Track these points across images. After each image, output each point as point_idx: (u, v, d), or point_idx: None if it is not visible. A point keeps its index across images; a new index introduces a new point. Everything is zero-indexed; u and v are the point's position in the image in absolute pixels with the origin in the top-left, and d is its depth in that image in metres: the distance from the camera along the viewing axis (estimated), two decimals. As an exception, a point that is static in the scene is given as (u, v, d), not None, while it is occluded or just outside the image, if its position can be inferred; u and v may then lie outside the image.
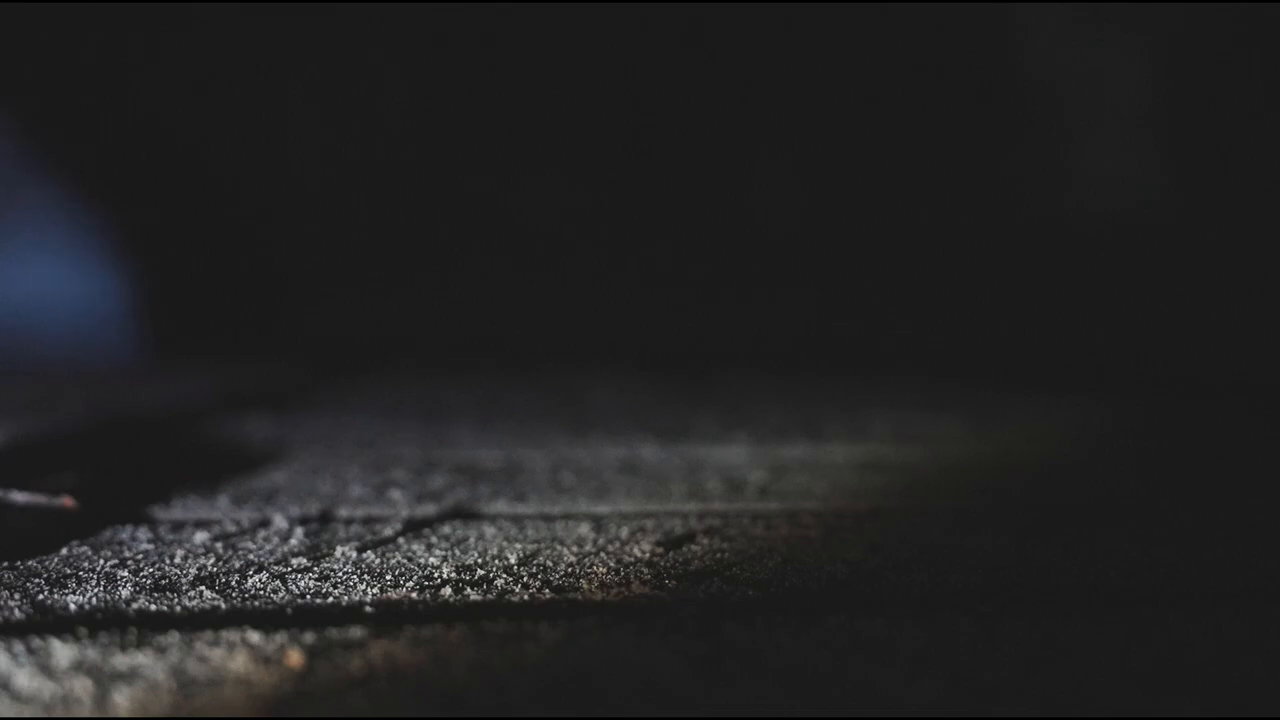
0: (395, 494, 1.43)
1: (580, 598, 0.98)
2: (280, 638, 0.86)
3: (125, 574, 1.04)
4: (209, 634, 0.86)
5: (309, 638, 0.86)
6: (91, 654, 0.81)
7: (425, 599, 0.97)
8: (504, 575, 1.05)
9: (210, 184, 3.56)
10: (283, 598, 0.97)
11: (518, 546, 1.16)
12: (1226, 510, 1.36)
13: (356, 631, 0.87)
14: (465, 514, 1.32)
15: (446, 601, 0.97)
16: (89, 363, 2.92)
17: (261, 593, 0.99)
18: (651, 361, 3.16)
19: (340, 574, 1.05)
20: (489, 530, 1.24)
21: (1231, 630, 0.90)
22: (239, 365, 2.98)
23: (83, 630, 0.87)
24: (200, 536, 1.19)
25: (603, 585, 1.02)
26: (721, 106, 3.61)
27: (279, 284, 3.67)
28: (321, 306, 3.64)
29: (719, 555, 1.13)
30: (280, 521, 1.26)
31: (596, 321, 3.55)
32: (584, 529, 1.24)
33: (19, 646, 0.82)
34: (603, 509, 1.36)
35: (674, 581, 1.03)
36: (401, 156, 3.69)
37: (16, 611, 0.92)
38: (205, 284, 3.46)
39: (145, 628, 0.88)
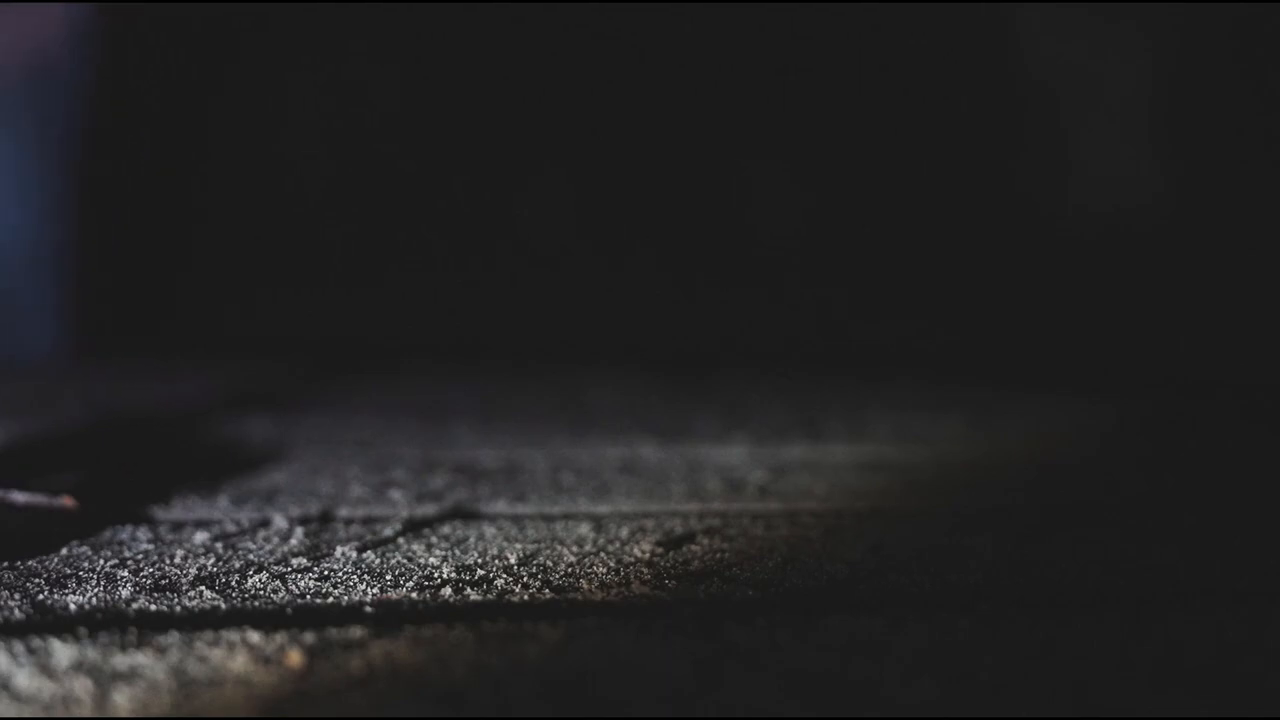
0: (395, 494, 1.43)
1: (580, 598, 0.98)
2: (280, 638, 0.86)
3: (125, 574, 1.04)
4: (209, 634, 0.86)
5: (309, 638, 0.86)
6: (91, 654, 0.81)
7: (425, 599, 0.97)
8: (504, 575, 1.05)
9: (210, 182, 3.55)
10: (283, 598, 0.97)
11: (518, 546, 1.16)
12: (1227, 510, 1.36)
13: (356, 631, 0.87)
14: (465, 514, 1.32)
15: (446, 601, 0.97)
16: (77, 359, 2.90)
17: (261, 593, 0.99)
18: (652, 361, 3.16)
19: (340, 574, 1.05)
20: (489, 530, 1.24)
21: (1232, 630, 0.90)
22: (239, 364, 2.99)
23: (83, 630, 0.87)
24: (200, 536, 1.19)
25: (603, 585, 1.02)
26: (722, 106, 3.61)
27: (279, 283, 3.67)
28: (322, 306, 3.64)
29: (719, 555, 1.13)
30: (280, 521, 1.26)
31: (597, 321, 3.55)
32: (584, 529, 1.24)
33: (19, 646, 0.82)
34: (603, 509, 1.36)
35: (674, 581, 1.03)
36: (403, 156, 3.69)
37: (16, 611, 0.92)
38: (205, 283, 3.46)
39: (145, 628, 0.88)
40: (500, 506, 1.37)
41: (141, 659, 0.81)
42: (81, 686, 0.76)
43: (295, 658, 0.81)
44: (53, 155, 3.01)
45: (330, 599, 0.97)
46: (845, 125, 3.57)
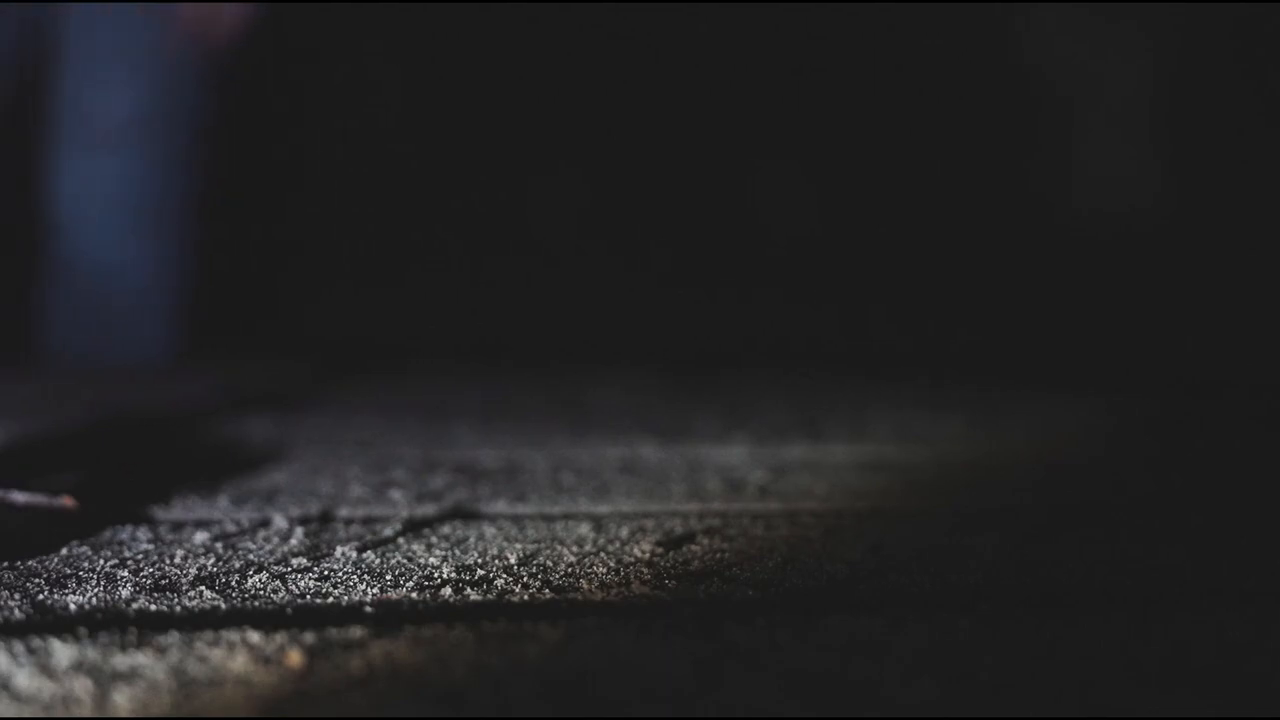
0: (395, 494, 1.43)
1: (580, 598, 0.98)
2: (280, 638, 0.85)
3: (125, 574, 1.04)
4: (209, 634, 0.86)
5: (309, 638, 0.86)
6: (91, 654, 0.81)
7: (425, 599, 0.97)
8: (504, 575, 1.05)
9: (226, 180, 3.55)
10: (283, 598, 0.97)
11: (518, 546, 1.16)
12: (1235, 510, 1.36)
13: (356, 631, 0.87)
14: (465, 514, 1.32)
15: (446, 601, 0.97)
16: (101, 360, 2.87)
17: (261, 593, 0.98)
18: (652, 362, 3.16)
19: (340, 574, 1.05)
20: (489, 530, 1.23)
21: (1239, 630, 0.90)
22: (240, 363, 2.98)
23: (83, 630, 0.86)
24: (200, 536, 1.19)
25: (603, 585, 1.02)
26: (737, 107, 3.61)
27: (281, 282, 3.67)
28: (324, 305, 3.64)
29: (719, 555, 1.13)
30: (280, 521, 1.26)
31: (598, 322, 3.55)
32: (584, 529, 1.24)
33: (19, 646, 0.82)
34: (603, 509, 1.35)
35: (674, 581, 1.03)
36: (407, 155, 3.69)
37: (16, 611, 0.92)
38: (204, 281, 3.46)
39: (145, 628, 0.88)
40: (500, 506, 1.36)
41: (141, 659, 0.81)
42: (81, 686, 0.75)
43: (295, 658, 0.81)
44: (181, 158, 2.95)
45: (330, 599, 0.97)
46: (850, 126, 3.56)
